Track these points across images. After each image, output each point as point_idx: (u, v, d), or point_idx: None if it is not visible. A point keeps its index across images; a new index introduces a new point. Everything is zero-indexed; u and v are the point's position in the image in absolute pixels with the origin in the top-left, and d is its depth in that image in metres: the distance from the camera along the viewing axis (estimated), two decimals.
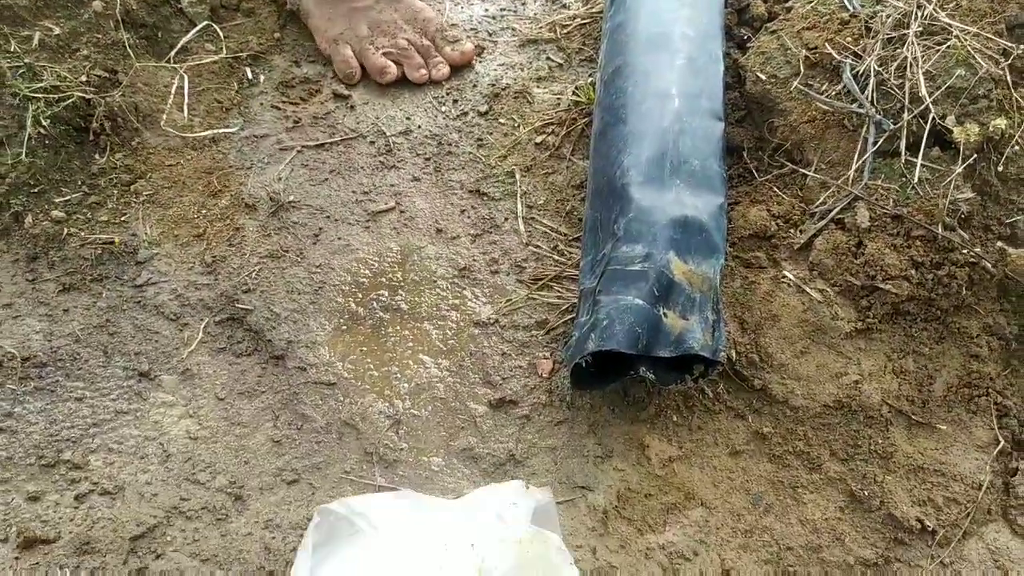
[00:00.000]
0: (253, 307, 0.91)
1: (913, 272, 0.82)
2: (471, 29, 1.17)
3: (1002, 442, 0.83)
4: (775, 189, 0.94)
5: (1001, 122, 0.81)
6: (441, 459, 0.83)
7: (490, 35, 1.17)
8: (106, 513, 0.78)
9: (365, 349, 0.89)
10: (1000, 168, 0.83)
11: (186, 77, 1.06)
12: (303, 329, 0.90)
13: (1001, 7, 0.87)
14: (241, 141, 1.04)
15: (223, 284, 0.92)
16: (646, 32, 0.97)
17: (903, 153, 0.85)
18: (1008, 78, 0.83)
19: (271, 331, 0.89)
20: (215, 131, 1.04)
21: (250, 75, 1.10)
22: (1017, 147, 0.83)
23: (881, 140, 0.86)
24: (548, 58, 1.14)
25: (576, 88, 1.08)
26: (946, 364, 0.84)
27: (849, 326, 0.84)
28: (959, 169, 0.82)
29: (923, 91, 0.84)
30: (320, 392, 0.86)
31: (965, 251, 0.81)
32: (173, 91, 1.04)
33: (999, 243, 0.83)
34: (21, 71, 0.95)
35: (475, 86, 1.11)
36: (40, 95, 0.94)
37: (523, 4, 1.20)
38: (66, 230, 0.93)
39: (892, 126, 0.85)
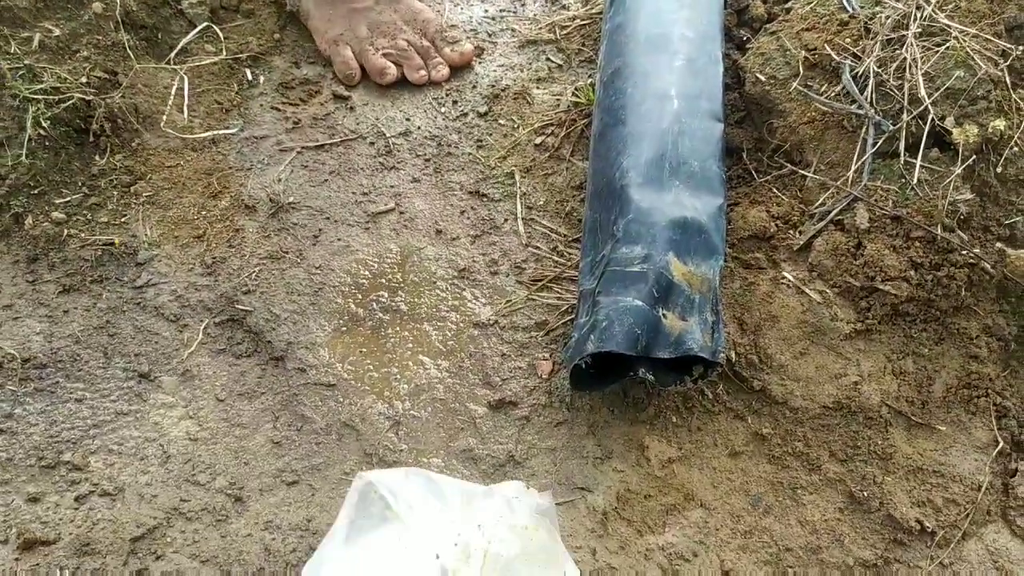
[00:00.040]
0: (253, 308, 0.91)
1: (912, 273, 0.82)
2: (471, 30, 1.17)
3: (1001, 443, 0.83)
4: (774, 190, 0.94)
5: (1000, 123, 0.81)
6: (441, 460, 0.83)
7: (490, 36, 1.17)
8: (106, 514, 0.78)
9: (365, 350, 0.89)
10: (999, 169, 0.83)
11: (186, 78, 1.06)
12: (303, 330, 0.90)
13: (1000, 8, 0.87)
14: (241, 142, 1.04)
15: (223, 285, 0.92)
16: (645, 33, 0.97)
17: (902, 154, 0.85)
18: (1007, 79, 0.83)
19: (271, 332, 0.89)
20: (215, 132, 1.04)
21: (250, 76, 1.10)
22: (1016, 148, 0.83)
23: (880, 141, 0.86)
24: (548, 59, 1.14)
25: (576, 89, 1.08)
26: (945, 365, 0.84)
27: (848, 327, 0.84)
28: (958, 170, 0.82)
29: (922, 92, 0.84)
30: (320, 393, 0.86)
31: (964, 252, 0.81)
32: (173, 92, 1.04)
33: (998, 244, 0.83)
34: (21, 72, 0.95)
35: (475, 87, 1.11)
36: (40, 96, 0.94)
37: (523, 5, 1.20)
38: (66, 231, 0.93)
39: (891, 127, 0.86)
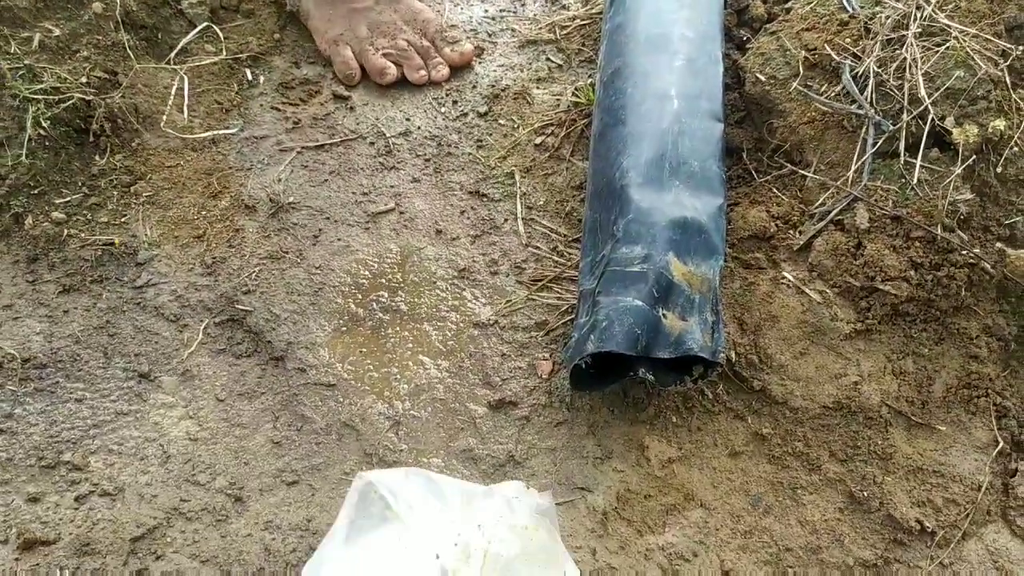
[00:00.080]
0: (253, 308, 0.91)
1: (912, 273, 0.82)
2: (471, 30, 1.17)
3: (1001, 443, 0.83)
4: (774, 190, 0.94)
5: (1000, 123, 0.81)
6: (441, 460, 0.83)
7: (490, 36, 1.17)
8: (106, 514, 0.78)
9: (365, 350, 0.89)
10: (999, 169, 0.83)
11: (186, 78, 1.06)
12: (303, 330, 0.90)
13: (1000, 8, 0.87)
14: (241, 142, 1.04)
15: (223, 285, 0.92)
16: (645, 33, 0.97)
17: (902, 154, 0.85)
18: (1007, 79, 0.83)
19: (271, 332, 0.89)
20: (215, 132, 1.04)
21: (250, 76, 1.10)
22: (1016, 148, 0.83)
23: (880, 141, 0.86)
24: (548, 59, 1.14)
25: (576, 89, 1.08)
26: (945, 365, 0.84)
27: (848, 327, 0.84)
28: (958, 170, 0.82)
29: (922, 92, 0.84)
30: (320, 393, 0.86)
31: (964, 252, 0.81)
32: (173, 92, 1.04)
33: (998, 244, 0.83)
34: (21, 72, 0.95)
35: (475, 87, 1.11)
36: (40, 96, 0.94)
37: (523, 5, 1.20)
38: (66, 231, 0.93)
39: (891, 127, 0.86)
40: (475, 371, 0.88)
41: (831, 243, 0.86)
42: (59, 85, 0.95)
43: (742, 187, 0.97)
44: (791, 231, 0.90)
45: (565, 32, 1.16)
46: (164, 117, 1.02)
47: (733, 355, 0.84)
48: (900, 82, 0.86)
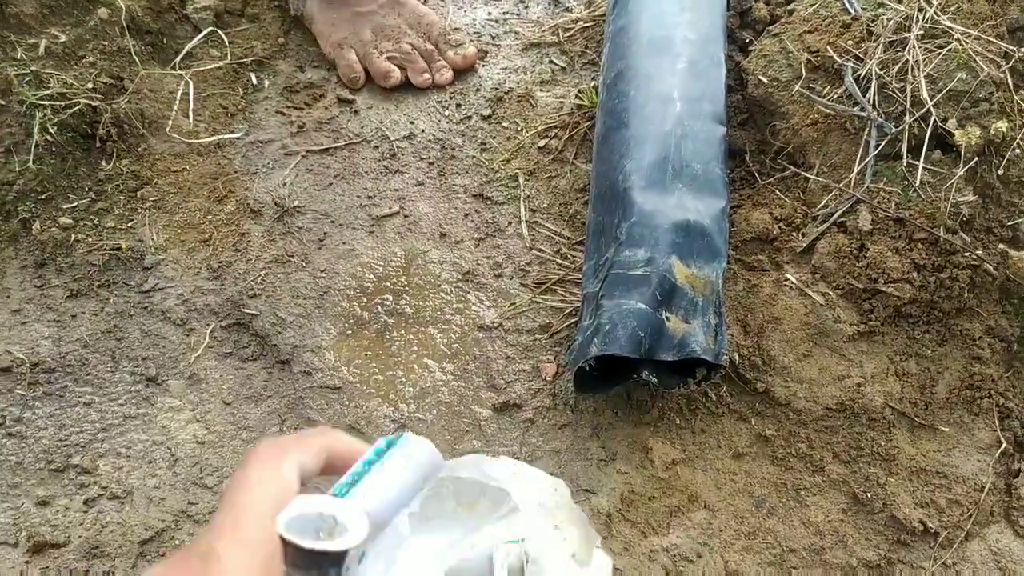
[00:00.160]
0: (259, 312, 0.92)
1: (915, 275, 0.82)
2: (474, 33, 1.17)
3: (1004, 444, 0.83)
4: (777, 192, 0.94)
5: (1002, 125, 0.82)
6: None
7: (493, 39, 1.17)
8: (115, 517, 0.79)
9: (370, 353, 0.90)
10: (1001, 171, 0.83)
11: (191, 83, 1.06)
12: (308, 334, 0.91)
13: (1002, 10, 0.87)
14: (246, 146, 1.05)
15: (229, 289, 0.93)
16: (648, 36, 0.97)
17: (905, 156, 0.85)
18: (1009, 81, 0.84)
19: (277, 336, 0.90)
20: (220, 137, 1.04)
21: (255, 80, 1.10)
22: (1018, 150, 0.83)
23: (883, 143, 0.87)
24: (551, 62, 1.14)
25: (579, 92, 1.08)
26: (948, 366, 0.84)
27: (851, 329, 0.84)
28: (961, 172, 0.82)
29: (924, 94, 0.84)
30: (325, 396, 0.87)
31: (967, 254, 0.81)
32: (178, 97, 1.05)
33: (1001, 245, 0.83)
34: (28, 79, 0.96)
35: (478, 90, 1.11)
36: (47, 102, 0.95)
37: (526, 8, 1.21)
38: (73, 236, 0.94)
39: (894, 129, 0.86)
40: (479, 374, 0.89)
41: (834, 245, 0.86)
42: (65, 91, 0.96)
43: (745, 189, 0.97)
44: (794, 233, 0.90)
45: (568, 35, 1.17)
46: (170, 122, 1.03)
47: (736, 357, 0.84)
48: (902, 84, 0.86)
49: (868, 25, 0.92)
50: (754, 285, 0.88)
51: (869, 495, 0.81)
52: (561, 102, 1.09)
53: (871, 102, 0.87)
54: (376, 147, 1.05)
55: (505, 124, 1.08)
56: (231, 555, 0.32)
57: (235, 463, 0.83)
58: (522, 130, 1.07)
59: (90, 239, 0.95)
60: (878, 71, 0.88)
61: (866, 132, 0.88)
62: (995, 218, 0.85)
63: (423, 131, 1.07)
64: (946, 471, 0.82)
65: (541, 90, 1.11)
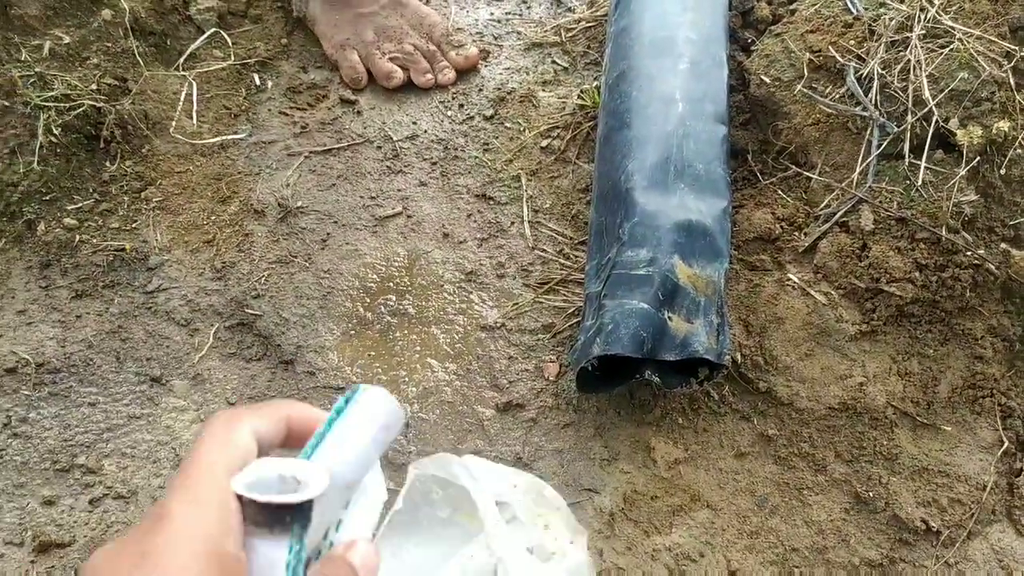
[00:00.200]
0: (262, 312, 0.92)
1: (917, 274, 0.83)
2: (476, 33, 1.18)
3: (1006, 443, 0.83)
4: (779, 192, 0.94)
5: (1004, 124, 0.82)
6: None
7: (495, 39, 1.17)
8: (120, 517, 0.79)
9: (373, 353, 0.90)
10: (1003, 171, 0.83)
11: (195, 84, 1.07)
12: (312, 334, 0.91)
13: (1004, 9, 0.87)
14: (249, 147, 1.05)
15: (233, 290, 0.93)
16: (650, 36, 0.97)
17: (907, 156, 0.85)
18: (1011, 81, 0.84)
19: (280, 336, 0.90)
20: (224, 137, 1.05)
21: (258, 81, 1.11)
22: (1020, 149, 0.83)
23: (885, 143, 0.87)
24: (553, 62, 1.14)
25: (581, 92, 1.09)
26: (950, 366, 0.85)
27: (854, 328, 0.84)
28: (963, 171, 0.82)
29: (926, 94, 0.84)
30: (329, 396, 0.87)
31: (969, 253, 0.82)
32: (182, 98, 1.05)
33: (1003, 245, 0.84)
34: (32, 80, 0.96)
35: (481, 90, 1.11)
36: (51, 104, 0.96)
37: (528, 8, 1.21)
38: (78, 237, 0.95)
39: (896, 129, 0.86)
40: (482, 374, 0.89)
41: (836, 245, 0.86)
42: (70, 92, 0.97)
43: (747, 189, 0.97)
44: (796, 233, 0.90)
45: (570, 35, 1.17)
46: (173, 123, 1.03)
47: (739, 357, 0.84)
48: (904, 84, 0.86)
49: (870, 25, 0.92)
50: (756, 285, 0.88)
51: (871, 494, 0.81)
52: (563, 102, 1.09)
53: (873, 102, 0.87)
54: (379, 148, 1.06)
55: (508, 124, 1.08)
56: (183, 514, 0.31)
57: None
58: (524, 130, 1.07)
59: (94, 240, 0.95)
60: (880, 71, 0.88)
61: (868, 132, 0.88)
62: (997, 217, 0.85)
63: (426, 132, 1.08)
64: (948, 470, 0.82)
65: (543, 90, 1.11)
